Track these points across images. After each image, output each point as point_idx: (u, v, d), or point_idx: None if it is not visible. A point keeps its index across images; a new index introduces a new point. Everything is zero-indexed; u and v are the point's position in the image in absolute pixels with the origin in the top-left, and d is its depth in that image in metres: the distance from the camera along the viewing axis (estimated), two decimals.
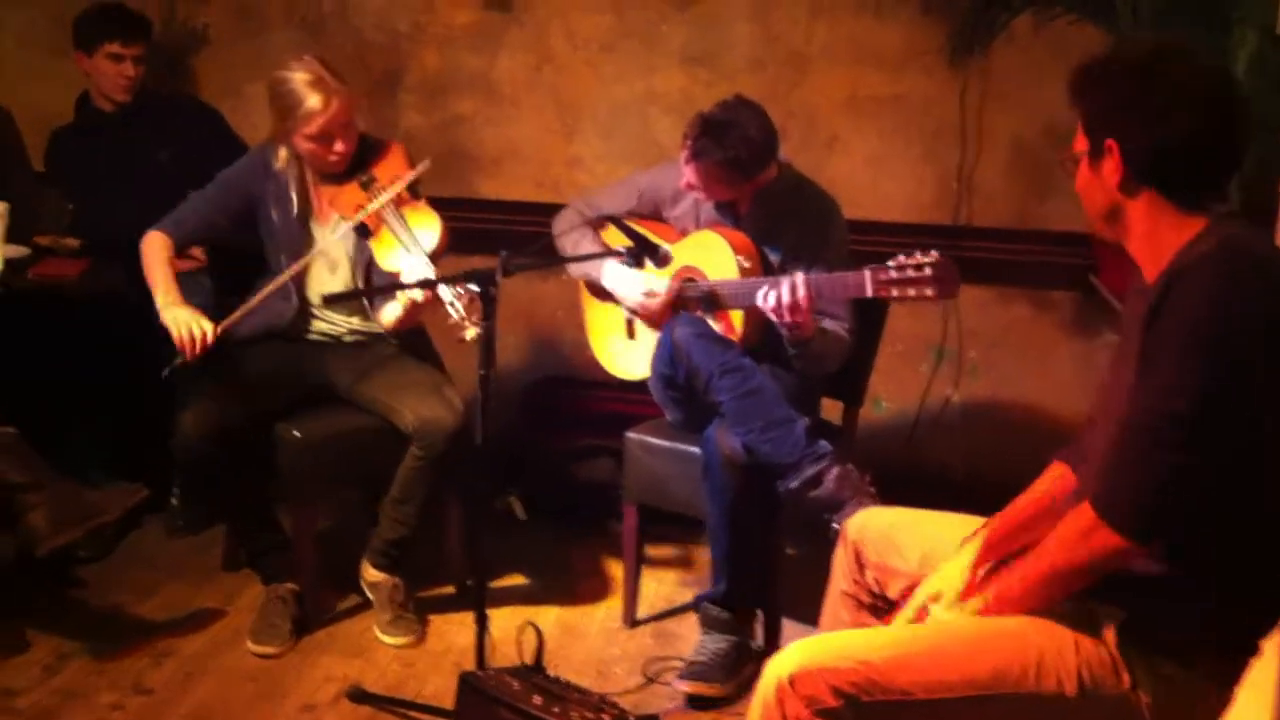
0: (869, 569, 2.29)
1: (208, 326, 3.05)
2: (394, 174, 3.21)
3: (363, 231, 3.18)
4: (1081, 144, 1.93)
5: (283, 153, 3.24)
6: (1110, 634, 1.88)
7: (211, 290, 3.48)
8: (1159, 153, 1.84)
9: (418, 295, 2.91)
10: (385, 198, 3.13)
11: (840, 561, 2.35)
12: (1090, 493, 1.84)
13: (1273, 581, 1.88)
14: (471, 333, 2.76)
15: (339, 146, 3.17)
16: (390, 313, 3.18)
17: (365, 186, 3.20)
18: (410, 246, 3.08)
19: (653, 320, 3.23)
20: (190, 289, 3.51)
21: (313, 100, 3.09)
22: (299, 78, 3.12)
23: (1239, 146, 1.88)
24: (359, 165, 3.24)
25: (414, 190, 3.23)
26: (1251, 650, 1.88)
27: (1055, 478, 2.17)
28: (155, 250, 3.22)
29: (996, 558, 2.12)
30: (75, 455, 3.44)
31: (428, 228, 3.14)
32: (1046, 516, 2.09)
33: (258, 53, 4.27)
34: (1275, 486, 1.83)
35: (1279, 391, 1.77)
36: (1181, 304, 1.76)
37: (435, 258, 3.07)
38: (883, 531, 2.30)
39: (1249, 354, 1.74)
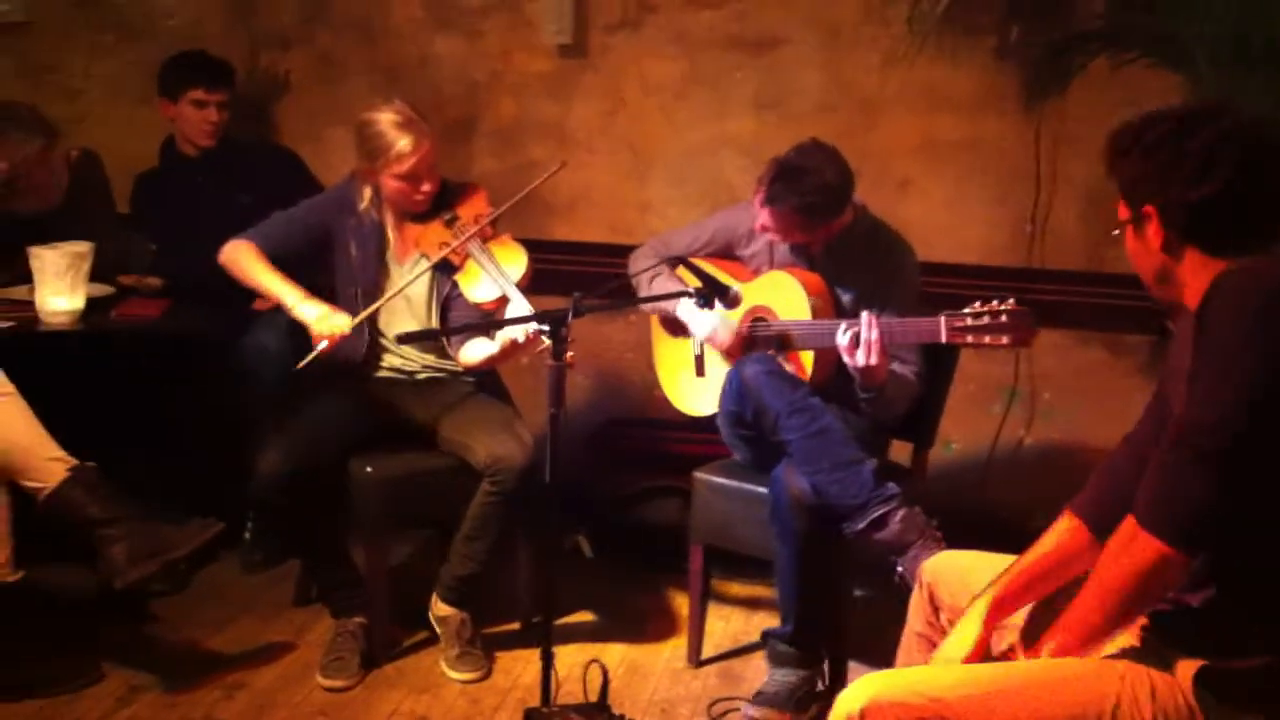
0: (944, 611, 2.27)
1: (345, 320, 3.12)
2: (476, 212, 3.28)
3: (446, 268, 3.22)
4: (1124, 212, 1.95)
5: (367, 192, 3.30)
6: (1187, 681, 1.84)
7: (287, 328, 3.53)
8: (1196, 213, 1.85)
9: (519, 334, 2.93)
10: (473, 231, 3.18)
11: (916, 603, 2.33)
12: (1136, 505, 1.82)
13: None
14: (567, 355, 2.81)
15: (426, 187, 3.24)
16: (479, 351, 3.20)
17: (449, 224, 3.27)
18: (498, 280, 3.11)
19: (725, 354, 3.24)
20: (268, 327, 3.59)
21: (403, 142, 3.16)
22: (389, 119, 3.19)
23: (1276, 196, 1.88)
24: (441, 205, 3.31)
25: (495, 227, 3.28)
26: None
27: (1064, 530, 2.15)
28: (250, 257, 3.26)
29: (1007, 615, 2.10)
30: (154, 490, 3.50)
31: (515, 262, 3.18)
32: (1056, 571, 2.09)
33: (337, 99, 4.37)
34: None
35: None
36: (1215, 317, 1.76)
37: (521, 289, 3.11)
38: (958, 574, 2.28)
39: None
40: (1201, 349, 1.78)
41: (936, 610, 2.28)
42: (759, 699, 2.96)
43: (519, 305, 3.02)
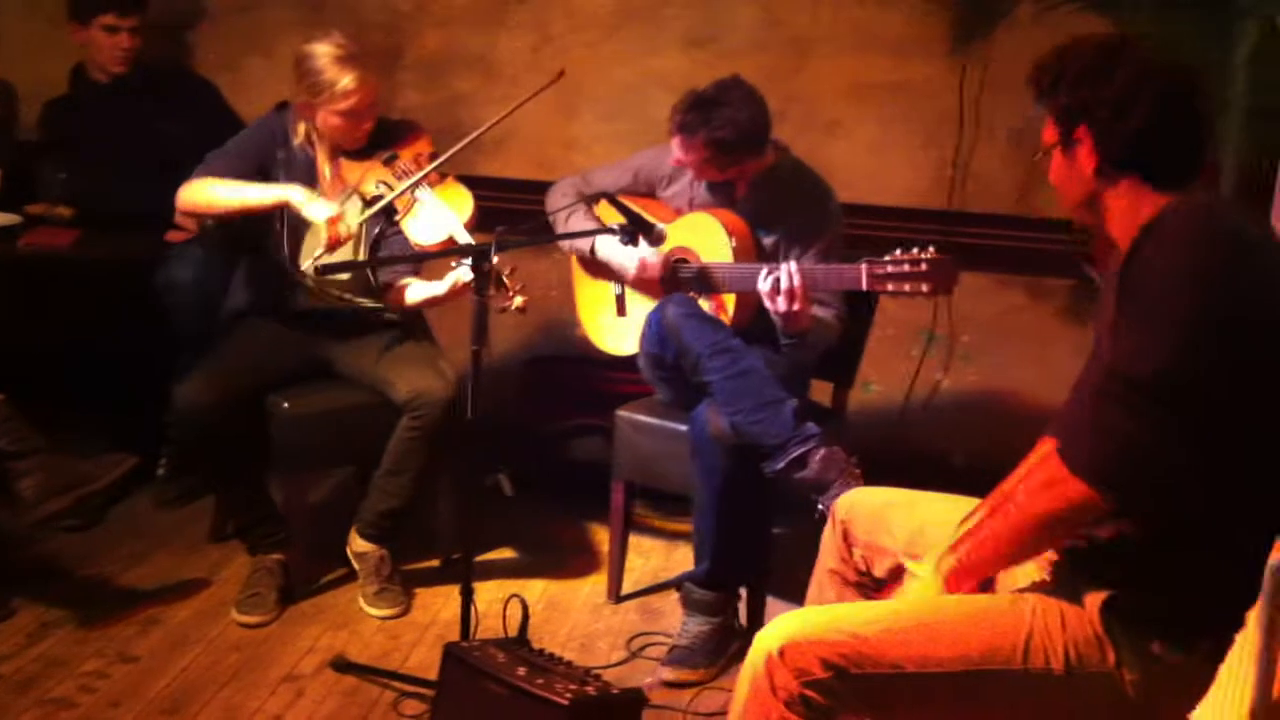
0: (857, 547, 2.29)
1: (352, 223, 3.08)
2: (417, 152, 3.23)
3: (390, 211, 3.16)
4: (1051, 135, 1.96)
5: (302, 127, 3.23)
6: (1095, 611, 1.88)
7: (203, 261, 3.47)
8: (1132, 137, 1.86)
9: (465, 275, 2.90)
10: (420, 175, 3.12)
11: (828, 540, 2.35)
12: (1062, 444, 1.84)
13: (1256, 555, 1.87)
14: (518, 301, 2.81)
15: (367, 124, 3.19)
16: (422, 291, 3.17)
17: (388, 163, 3.21)
18: (445, 223, 3.07)
19: (646, 292, 3.23)
20: (181, 260, 3.52)
21: (348, 79, 3.09)
22: (331, 53, 3.10)
23: (1204, 127, 1.91)
24: (378, 142, 3.25)
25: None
26: (1238, 625, 1.88)
27: (1045, 454, 2.17)
28: (215, 184, 3.14)
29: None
30: (66, 423, 3.44)
31: (461, 203, 3.14)
32: None
33: (256, 28, 4.28)
34: (1254, 454, 1.82)
35: (1254, 356, 1.76)
36: (1150, 262, 1.78)
37: (469, 230, 3.08)
38: (873, 510, 2.30)
39: (1218, 315, 1.74)
40: (1130, 291, 1.79)
41: (850, 546, 2.30)
42: (672, 657, 2.98)
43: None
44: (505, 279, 2.82)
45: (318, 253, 3.03)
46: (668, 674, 2.94)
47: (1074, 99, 1.91)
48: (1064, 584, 1.95)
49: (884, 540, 2.25)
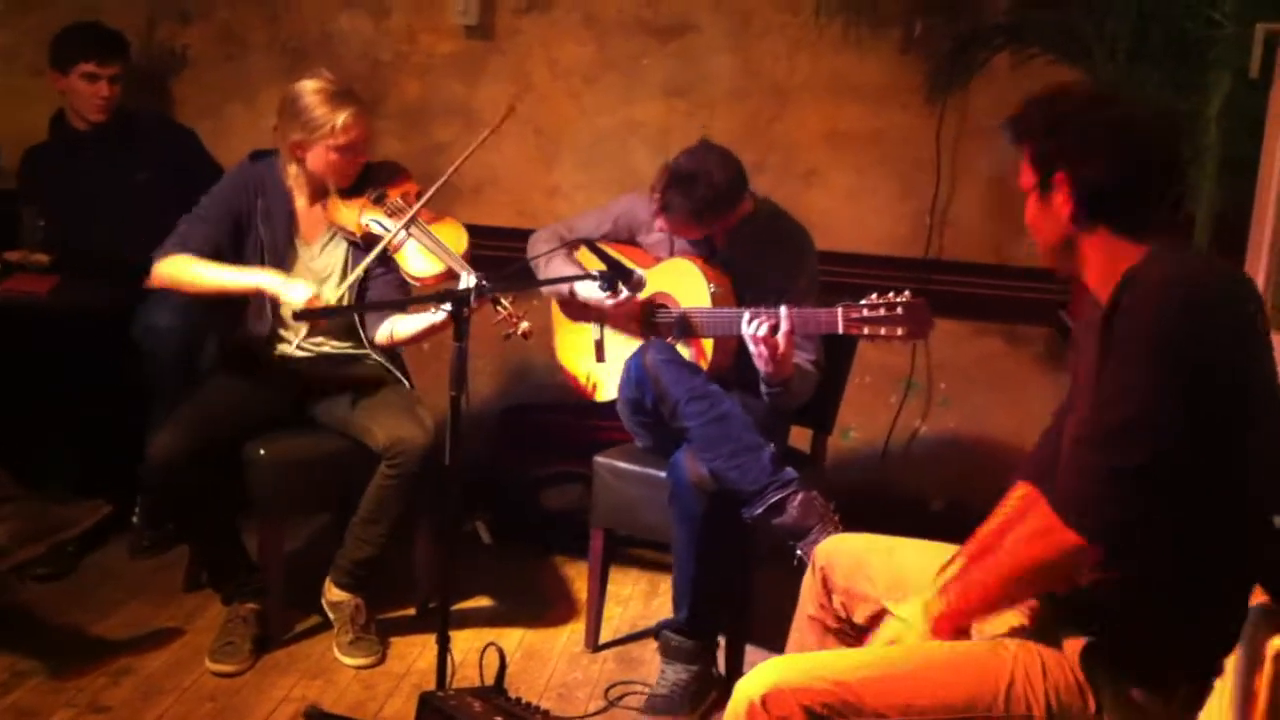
0: (836, 593, 2.29)
1: (330, 300, 3.10)
2: (403, 190, 3.24)
3: (370, 246, 3.14)
4: (1029, 179, 1.97)
5: (293, 168, 3.22)
6: (1075, 658, 1.87)
7: (181, 308, 3.45)
8: (1108, 185, 1.88)
9: (440, 315, 2.93)
10: (416, 207, 3.11)
11: (808, 586, 2.35)
12: (1050, 493, 1.84)
13: (1234, 601, 1.87)
14: (524, 325, 2.82)
15: (361, 159, 3.20)
16: (409, 326, 3.16)
17: (378, 201, 3.21)
18: (443, 256, 3.08)
19: (626, 334, 3.24)
20: (160, 306, 3.51)
21: (346, 114, 3.09)
22: (324, 89, 3.11)
23: (1177, 178, 1.97)
24: (363, 182, 3.25)
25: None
26: (1217, 671, 1.88)
27: (1019, 498, 2.17)
28: (191, 266, 3.11)
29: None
30: (41, 471, 3.42)
31: (457, 237, 3.15)
32: None
33: (238, 76, 4.30)
34: (1232, 500, 1.83)
35: (1231, 403, 1.78)
36: (1131, 314, 1.79)
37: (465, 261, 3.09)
38: (853, 556, 2.30)
39: (1196, 363, 1.75)
40: (1112, 353, 1.80)
41: (829, 592, 2.30)
42: (651, 705, 2.96)
43: (468, 278, 2.96)
44: (508, 304, 2.82)
45: (303, 334, 3.02)
46: None
47: (1053, 144, 1.92)
48: (1043, 629, 1.95)
49: (864, 586, 2.25)
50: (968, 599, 1.95)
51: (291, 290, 3.03)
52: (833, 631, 2.30)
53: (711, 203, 3.07)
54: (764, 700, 1.86)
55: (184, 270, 3.13)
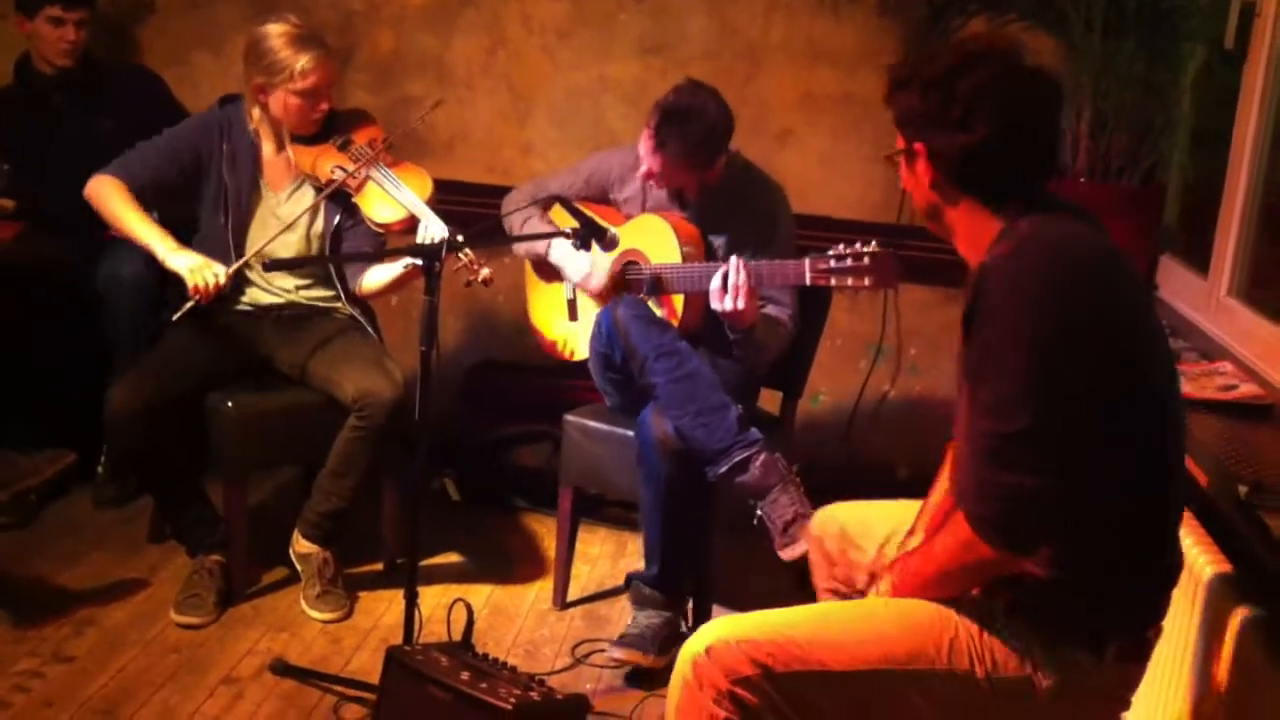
0: (837, 565, 2.30)
1: (220, 270, 3.03)
2: (370, 136, 3.21)
3: (340, 195, 3.14)
4: (899, 143, 1.95)
5: (256, 112, 3.20)
6: (1003, 620, 1.88)
7: (145, 257, 3.41)
8: (963, 157, 1.84)
9: (400, 268, 2.92)
10: (375, 153, 3.11)
11: (814, 562, 2.36)
12: (962, 508, 1.83)
13: (1159, 551, 1.90)
14: (485, 273, 2.82)
15: (324, 105, 3.17)
16: (383, 274, 3.15)
17: (343, 148, 3.19)
18: (406, 201, 3.06)
19: (597, 299, 3.22)
20: (124, 255, 3.47)
21: (307, 58, 3.07)
22: (288, 33, 3.09)
23: (1045, 150, 1.90)
24: (329, 129, 3.23)
25: (392, 154, 3.23)
26: (1146, 624, 1.91)
27: (948, 469, 2.18)
28: (116, 195, 3.13)
29: None
30: (4, 420, 3.38)
31: (420, 183, 3.13)
32: None
33: (205, 22, 4.24)
34: (1142, 451, 1.83)
35: (1110, 378, 1.77)
36: (991, 314, 1.77)
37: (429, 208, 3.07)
38: (839, 529, 2.31)
39: (1069, 350, 1.74)
40: (980, 345, 1.79)
41: (833, 565, 2.31)
42: (622, 640, 2.97)
43: (433, 224, 2.98)
44: (469, 253, 2.81)
45: (185, 308, 3.00)
46: (618, 653, 2.94)
47: (911, 109, 1.89)
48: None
49: (855, 555, 2.27)
50: (909, 585, 1.97)
51: (176, 259, 3.04)
52: (844, 599, 2.30)
53: (706, 140, 3.04)
54: (708, 650, 1.86)
55: (108, 197, 3.14)
